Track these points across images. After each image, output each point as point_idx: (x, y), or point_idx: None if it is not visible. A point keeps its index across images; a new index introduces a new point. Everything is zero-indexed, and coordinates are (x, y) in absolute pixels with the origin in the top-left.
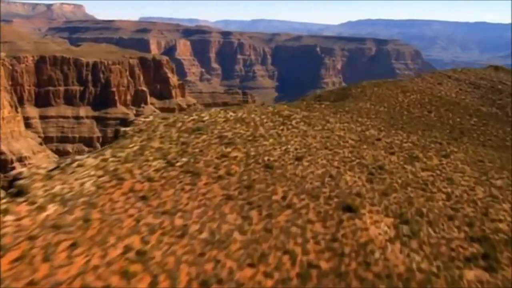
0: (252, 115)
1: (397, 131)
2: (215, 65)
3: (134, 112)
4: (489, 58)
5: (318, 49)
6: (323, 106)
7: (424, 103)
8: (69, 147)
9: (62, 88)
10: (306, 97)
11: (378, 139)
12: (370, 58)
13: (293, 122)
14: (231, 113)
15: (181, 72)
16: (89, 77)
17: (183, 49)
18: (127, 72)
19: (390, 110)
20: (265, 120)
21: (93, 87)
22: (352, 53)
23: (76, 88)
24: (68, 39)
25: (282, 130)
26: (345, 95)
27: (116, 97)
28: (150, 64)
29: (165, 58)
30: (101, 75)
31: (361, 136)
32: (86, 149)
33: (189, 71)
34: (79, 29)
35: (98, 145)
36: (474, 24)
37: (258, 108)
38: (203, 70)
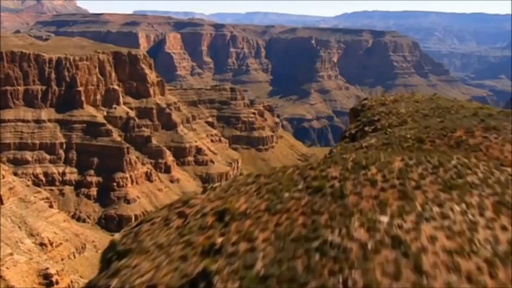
0: None
1: None
2: (207, 58)
3: (105, 113)
4: (486, 49)
5: (313, 41)
6: None
7: None
8: (28, 155)
9: (21, 88)
10: None
11: None
12: (366, 50)
13: None
14: None
15: (171, 67)
16: (52, 75)
17: (173, 42)
18: (97, 69)
19: None
20: None
21: (56, 86)
22: (348, 45)
23: (38, 87)
24: (54, 33)
25: None
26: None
27: (83, 98)
28: (125, 59)
29: (142, 53)
30: (66, 73)
31: None
32: (47, 156)
33: (180, 65)
34: (66, 23)
35: (61, 152)
36: (471, 15)
37: None
38: (194, 64)
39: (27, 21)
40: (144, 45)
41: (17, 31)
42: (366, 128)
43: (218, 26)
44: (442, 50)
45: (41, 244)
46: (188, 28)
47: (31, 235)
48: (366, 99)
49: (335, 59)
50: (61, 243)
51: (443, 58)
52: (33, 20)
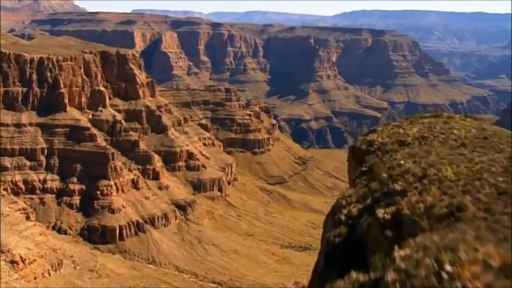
0: None
1: None
2: (204, 58)
3: (90, 116)
4: (486, 48)
5: (312, 40)
6: None
7: None
8: (7, 161)
9: (0, 90)
10: None
11: None
12: (366, 49)
13: None
14: None
15: (167, 66)
16: (34, 76)
17: (170, 41)
18: (82, 70)
19: None
20: None
21: (38, 88)
22: (347, 45)
23: (18, 89)
24: (49, 32)
25: None
26: None
27: (66, 100)
28: (113, 59)
29: (131, 53)
30: (49, 74)
31: None
32: (28, 163)
33: (176, 64)
34: (61, 22)
35: (42, 158)
36: (470, 14)
37: None
38: (191, 63)
39: (23, 19)
40: (140, 44)
41: (12, 30)
42: (380, 214)
43: (215, 25)
44: (441, 50)
45: (12, 262)
46: (185, 27)
47: (1, 252)
48: (374, 130)
49: (334, 59)
50: (34, 260)
51: (442, 57)
52: (29, 19)
